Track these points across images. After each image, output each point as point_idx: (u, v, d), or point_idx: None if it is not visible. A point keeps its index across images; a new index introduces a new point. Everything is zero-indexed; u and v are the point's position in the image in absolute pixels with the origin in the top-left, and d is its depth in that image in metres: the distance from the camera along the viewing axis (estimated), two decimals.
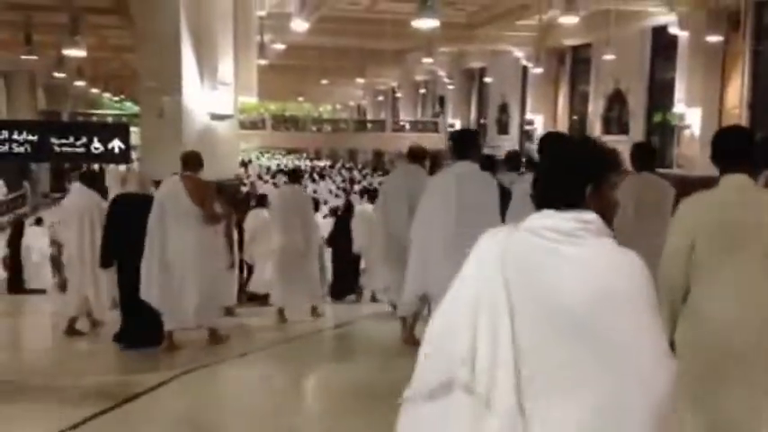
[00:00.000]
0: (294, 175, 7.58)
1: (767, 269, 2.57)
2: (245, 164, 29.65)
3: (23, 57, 20.05)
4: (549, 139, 3.92)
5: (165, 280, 5.46)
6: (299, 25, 14.03)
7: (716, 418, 2.60)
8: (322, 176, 29.05)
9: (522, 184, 4.01)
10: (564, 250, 1.59)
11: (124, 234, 5.58)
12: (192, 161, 5.75)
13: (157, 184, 5.94)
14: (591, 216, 1.61)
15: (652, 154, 4.63)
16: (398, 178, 5.94)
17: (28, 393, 4.69)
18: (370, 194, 10.53)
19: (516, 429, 1.54)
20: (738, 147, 2.73)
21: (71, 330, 6.29)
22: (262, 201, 9.87)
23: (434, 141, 31.54)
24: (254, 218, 8.79)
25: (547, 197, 1.67)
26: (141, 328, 5.59)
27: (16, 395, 4.61)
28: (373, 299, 8.35)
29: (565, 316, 1.55)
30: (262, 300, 8.01)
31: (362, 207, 9.61)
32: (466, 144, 4.22)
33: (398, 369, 5.30)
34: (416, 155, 6.00)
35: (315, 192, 19.05)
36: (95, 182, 6.77)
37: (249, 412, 4.31)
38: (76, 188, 6.47)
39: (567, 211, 1.62)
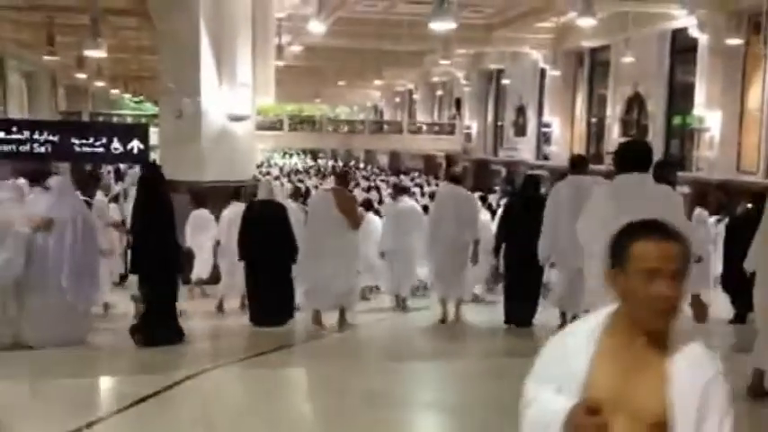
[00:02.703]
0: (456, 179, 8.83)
1: None
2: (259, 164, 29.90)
3: (45, 57, 20.32)
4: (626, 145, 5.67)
5: (314, 271, 6.84)
6: (317, 27, 14.08)
7: None
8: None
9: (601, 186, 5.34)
10: (643, 187, 4.23)
11: (256, 233, 6.90)
12: (340, 177, 7.72)
13: (296, 193, 8.48)
14: (649, 174, 4.36)
15: None
16: (448, 194, 7.68)
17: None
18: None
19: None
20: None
21: (221, 308, 8.08)
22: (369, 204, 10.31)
23: (451, 143, 31.61)
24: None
25: (629, 167, 4.34)
26: (271, 310, 6.86)
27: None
28: None
29: (647, 214, 3.13)
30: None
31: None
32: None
33: (418, 374, 5.39)
34: (458, 178, 8.29)
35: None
36: (239, 195, 8.75)
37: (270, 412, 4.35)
38: (232, 204, 8.28)
39: (639, 174, 4.30)
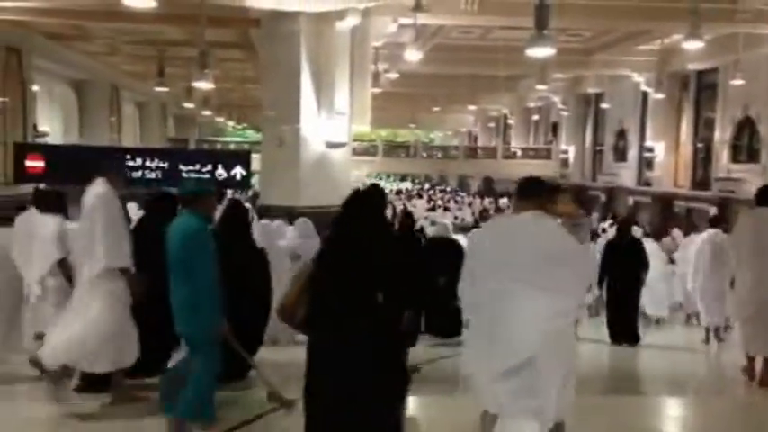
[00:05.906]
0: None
1: None
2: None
3: (156, 88, 21.52)
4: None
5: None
6: (413, 55, 14.21)
7: None
8: (420, 196, 31.44)
9: None
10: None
11: (434, 265, 7.74)
12: (480, 213, 8.39)
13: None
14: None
15: None
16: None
17: None
18: None
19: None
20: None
21: None
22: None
23: (546, 168, 30.99)
24: None
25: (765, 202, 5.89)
26: (445, 325, 7.60)
27: None
28: None
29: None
30: None
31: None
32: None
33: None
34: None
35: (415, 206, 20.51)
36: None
37: None
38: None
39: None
